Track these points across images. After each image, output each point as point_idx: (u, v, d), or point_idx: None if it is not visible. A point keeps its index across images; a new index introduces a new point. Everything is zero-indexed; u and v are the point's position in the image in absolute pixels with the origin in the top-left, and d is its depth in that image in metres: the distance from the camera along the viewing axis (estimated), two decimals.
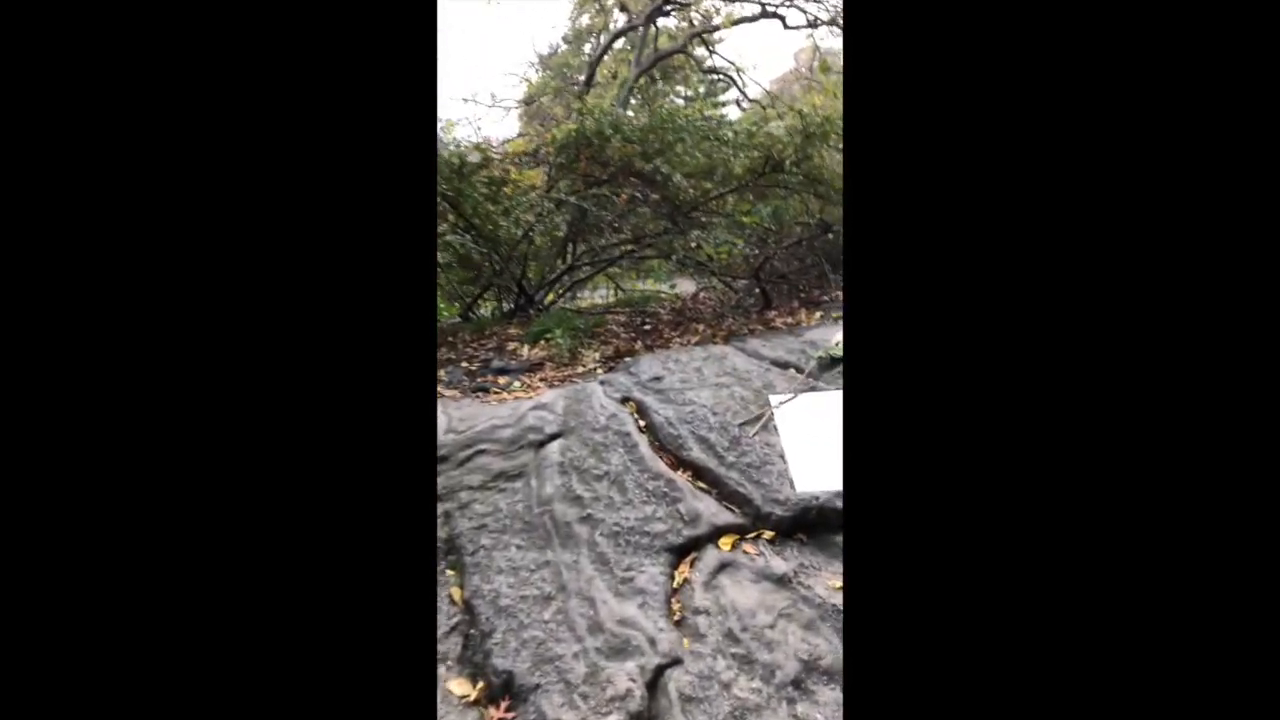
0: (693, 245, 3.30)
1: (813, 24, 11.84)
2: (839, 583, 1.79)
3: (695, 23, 11.94)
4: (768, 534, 1.97)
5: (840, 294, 3.81)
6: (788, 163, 3.53)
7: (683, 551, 1.92)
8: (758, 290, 3.67)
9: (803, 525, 1.99)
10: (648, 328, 3.87)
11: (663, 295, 4.73)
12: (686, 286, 5.09)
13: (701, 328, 3.72)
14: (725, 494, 2.11)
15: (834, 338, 2.67)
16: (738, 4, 11.69)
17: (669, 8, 11.42)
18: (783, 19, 11.69)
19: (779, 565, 1.85)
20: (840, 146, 3.63)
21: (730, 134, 3.89)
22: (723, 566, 1.86)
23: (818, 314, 3.37)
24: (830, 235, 3.81)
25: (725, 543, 1.94)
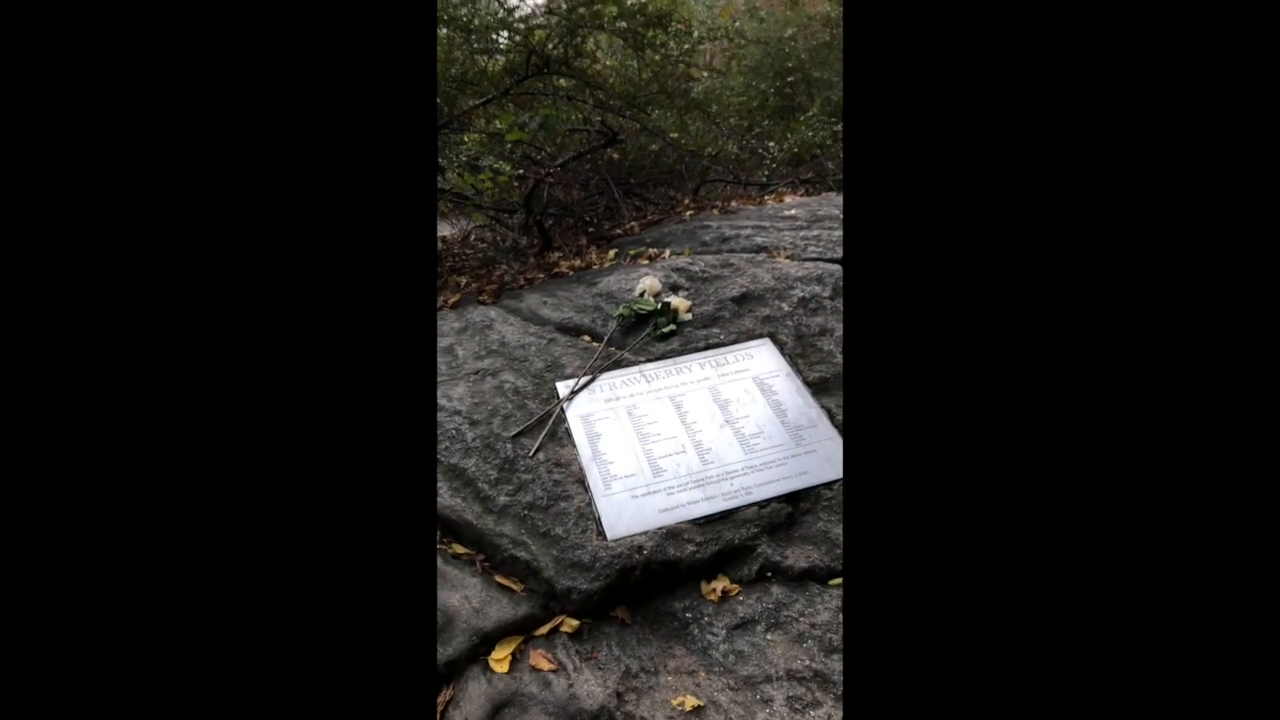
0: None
1: None
2: (690, 698, 1.09)
3: None
4: (570, 624, 1.21)
5: (636, 225, 3.09)
6: (550, 50, 2.65)
7: None
8: (534, 227, 2.82)
9: (622, 596, 1.26)
10: None
11: None
12: (448, 226, 4.09)
13: (464, 281, 2.81)
14: (497, 564, 1.30)
15: (637, 285, 1.93)
16: None
17: None
18: None
19: (591, 686, 1.11)
20: (621, 24, 2.82)
21: (472, 16, 2.91)
22: (498, 710, 1.08)
23: (611, 252, 2.62)
24: (616, 149, 3.03)
25: (500, 658, 1.15)
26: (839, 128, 4.01)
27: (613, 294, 1.97)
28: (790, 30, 5.42)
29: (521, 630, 1.20)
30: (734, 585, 1.28)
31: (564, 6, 2.75)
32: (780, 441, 1.50)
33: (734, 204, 3.19)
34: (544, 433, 1.50)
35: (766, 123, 4.15)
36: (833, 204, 2.76)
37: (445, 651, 1.14)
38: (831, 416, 1.56)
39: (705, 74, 4.59)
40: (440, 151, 2.77)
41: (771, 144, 3.99)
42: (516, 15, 2.99)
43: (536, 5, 3.02)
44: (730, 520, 1.36)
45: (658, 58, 2.84)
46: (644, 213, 3.32)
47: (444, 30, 2.76)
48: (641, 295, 1.87)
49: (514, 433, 1.50)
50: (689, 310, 1.85)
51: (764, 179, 3.74)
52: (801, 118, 4.06)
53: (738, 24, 6.46)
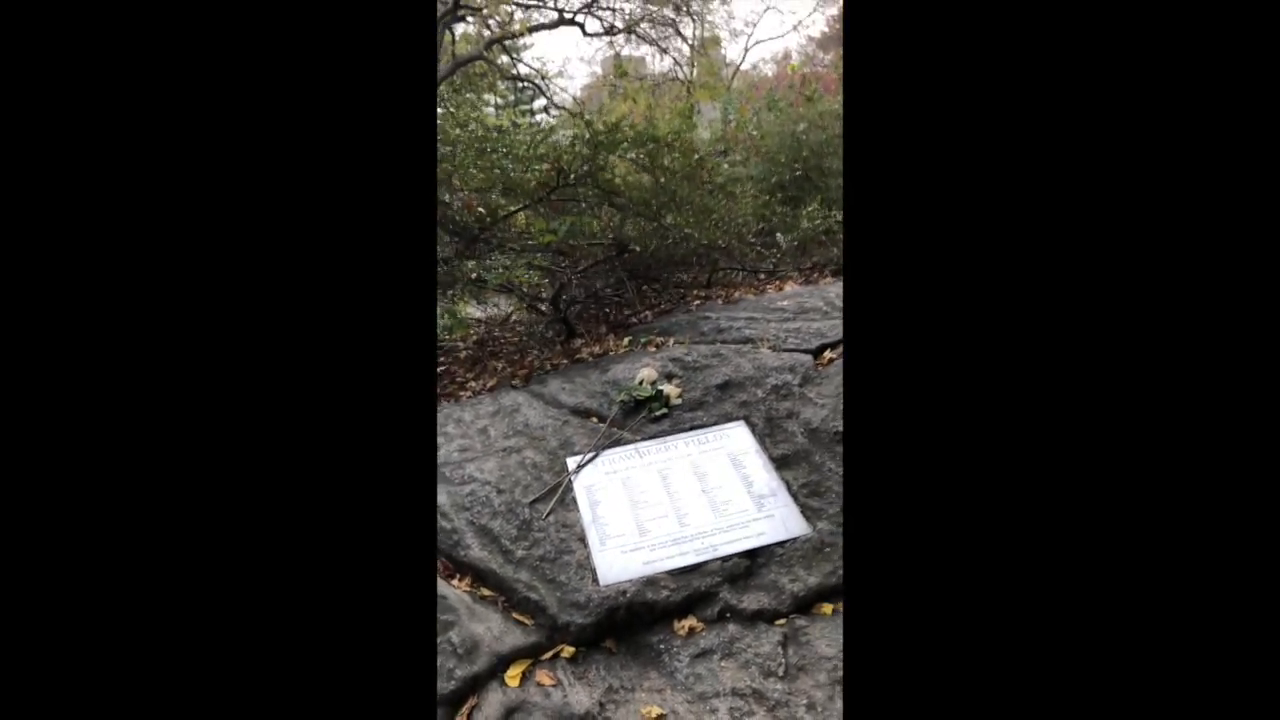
0: (472, 276, 2.83)
1: (610, 31, 11.87)
2: (655, 709, 1.42)
3: (493, 29, 11.47)
4: (567, 650, 1.56)
5: (650, 313, 3.53)
6: (574, 175, 3.16)
7: (457, 700, 1.45)
8: (560, 321, 3.28)
9: (609, 630, 1.61)
10: (439, 369, 3.33)
11: (468, 322, 4.20)
12: (492, 310, 4.60)
13: (501, 366, 3.26)
14: (514, 603, 1.67)
15: (639, 373, 2.33)
16: (535, 11, 11.40)
17: (463, 13, 10.85)
18: (581, 26, 11.59)
19: (581, 698, 1.44)
20: (631, 156, 3.33)
21: (513, 146, 3.46)
22: (510, 714, 1.42)
23: (626, 340, 3.04)
24: (635, 244, 3.50)
25: (513, 675, 1.50)
26: (839, 217, 4.41)
27: (618, 381, 2.37)
28: (803, 125, 5.92)
29: (530, 655, 1.55)
30: (699, 623, 1.61)
31: (586, 135, 3.28)
32: (745, 508, 1.84)
33: (738, 293, 3.60)
34: (555, 499, 1.88)
35: (774, 216, 4.58)
36: (821, 295, 3.14)
37: (471, 669, 1.49)
38: (789, 487, 1.90)
39: (725, 165, 5.10)
40: (484, 252, 3.27)
41: (779, 235, 4.42)
42: (546, 141, 3.54)
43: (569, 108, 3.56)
44: (699, 571, 1.69)
45: (663, 179, 3.32)
46: (659, 301, 3.76)
47: (494, 155, 3.31)
48: (640, 383, 2.26)
49: (531, 499, 1.89)
50: (679, 396, 2.23)
51: (771, 266, 4.16)
52: (804, 210, 4.49)
53: (756, 117, 7.04)
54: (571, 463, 2.01)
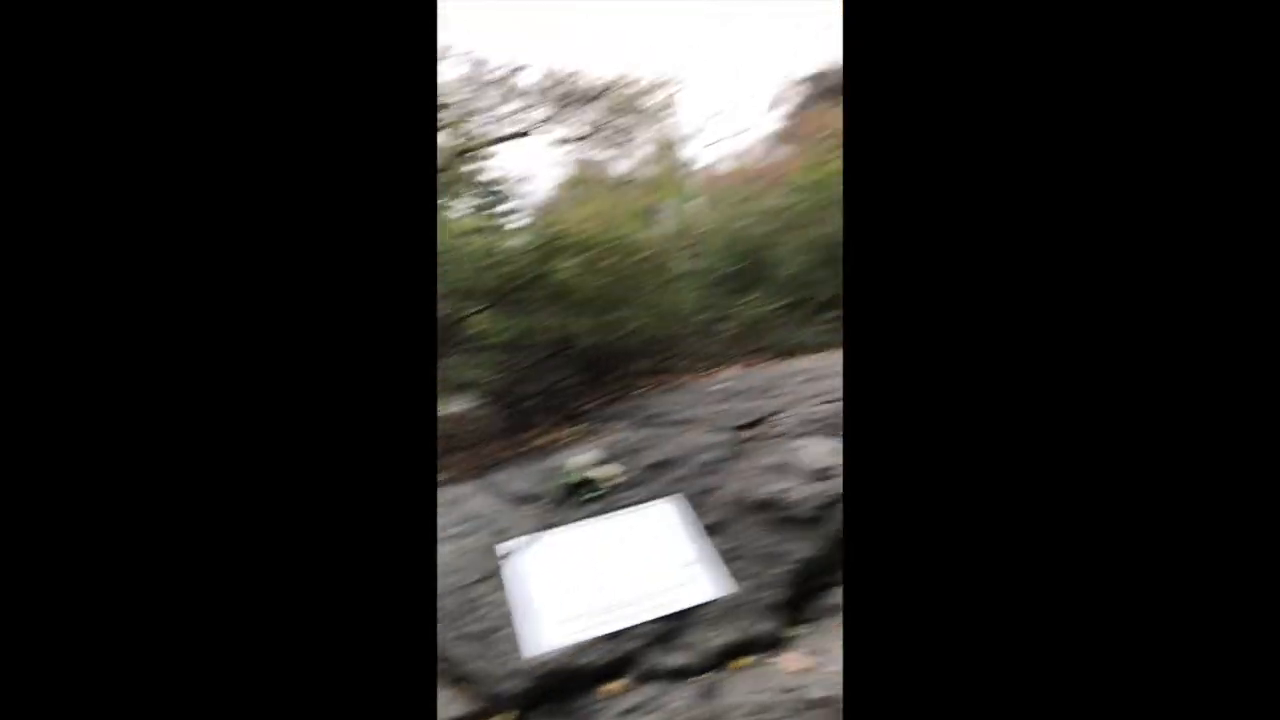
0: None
1: (570, 140, 12.72)
2: None
3: (459, 141, 12.27)
4: (508, 716, 1.70)
5: (599, 402, 3.77)
6: (526, 279, 3.48)
7: None
8: (514, 414, 3.51)
9: (542, 696, 1.75)
10: None
11: None
12: (454, 408, 4.80)
13: (461, 457, 3.45)
14: (457, 676, 1.81)
15: (577, 460, 2.55)
16: (496, 125, 12.20)
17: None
18: (541, 138, 12.42)
19: None
20: (578, 260, 3.67)
21: (473, 254, 3.80)
22: None
23: (574, 429, 3.27)
24: (579, 348, 3.79)
25: None
26: (778, 304, 4.77)
27: (559, 468, 2.58)
28: (742, 221, 6.36)
29: None
30: (625, 683, 1.76)
31: (536, 243, 3.63)
32: (670, 575, 2.03)
33: (682, 380, 3.88)
34: (494, 580, 2.05)
35: (717, 307, 4.94)
36: (757, 377, 3.42)
37: None
38: (713, 553, 2.10)
39: (672, 262, 5.49)
40: (445, 353, 3.52)
41: (720, 324, 4.77)
42: (505, 245, 3.89)
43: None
44: (626, 635, 1.86)
45: (608, 279, 3.66)
46: (609, 390, 4.01)
47: (451, 265, 3.63)
48: (577, 469, 2.47)
49: (473, 580, 2.05)
50: (614, 478, 2.44)
51: (713, 353, 4.47)
52: (745, 299, 4.86)
53: (701, 215, 7.55)
54: (511, 546, 2.19)
